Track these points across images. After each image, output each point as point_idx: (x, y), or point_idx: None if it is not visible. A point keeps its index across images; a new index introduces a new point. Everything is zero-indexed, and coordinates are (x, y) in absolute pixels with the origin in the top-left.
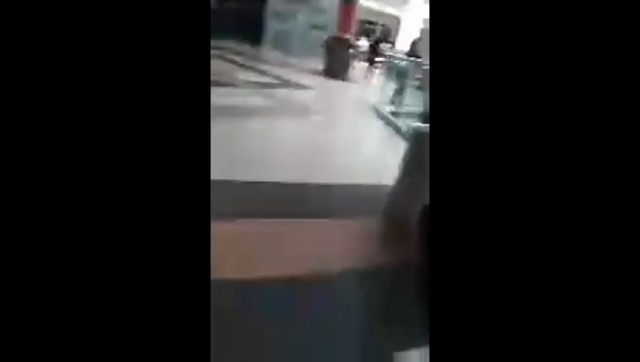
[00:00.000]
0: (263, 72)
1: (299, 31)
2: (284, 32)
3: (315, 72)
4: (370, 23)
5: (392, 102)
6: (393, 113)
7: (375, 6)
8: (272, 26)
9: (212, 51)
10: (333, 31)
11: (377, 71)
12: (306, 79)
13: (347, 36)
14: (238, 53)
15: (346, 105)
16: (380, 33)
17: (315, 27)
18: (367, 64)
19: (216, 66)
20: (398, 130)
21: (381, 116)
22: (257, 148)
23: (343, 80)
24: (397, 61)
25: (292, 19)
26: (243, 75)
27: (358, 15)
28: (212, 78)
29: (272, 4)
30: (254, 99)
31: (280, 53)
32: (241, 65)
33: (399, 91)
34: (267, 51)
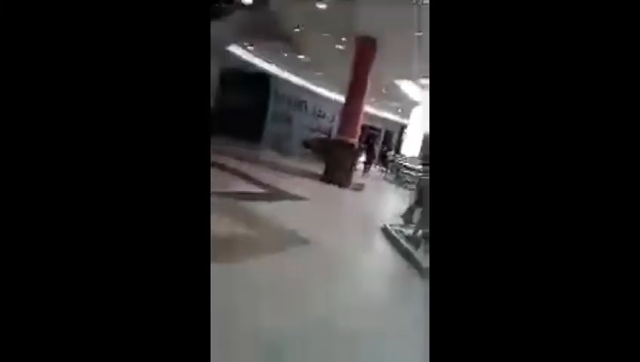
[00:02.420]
0: (257, 182)
1: (297, 133)
2: (282, 133)
3: (313, 176)
4: (372, 128)
5: (406, 221)
6: (407, 237)
7: (375, 111)
8: (270, 127)
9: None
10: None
11: (381, 175)
12: (302, 187)
13: (351, 141)
14: (234, 155)
15: (347, 225)
16: (382, 138)
17: (315, 130)
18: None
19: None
20: (416, 265)
21: (392, 240)
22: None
23: (343, 186)
24: (411, 172)
25: (290, 121)
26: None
27: (362, 119)
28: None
29: (272, 107)
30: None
31: (277, 154)
32: (234, 172)
33: (413, 208)
34: (264, 151)
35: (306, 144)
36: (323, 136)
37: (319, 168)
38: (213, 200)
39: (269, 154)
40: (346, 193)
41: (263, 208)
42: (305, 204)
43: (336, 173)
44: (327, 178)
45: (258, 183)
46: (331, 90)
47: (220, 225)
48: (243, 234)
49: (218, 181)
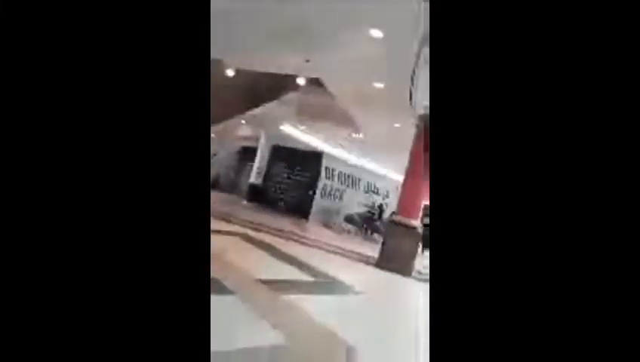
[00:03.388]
0: (307, 267)
1: (347, 209)
2: (332, 209)
3: (367, 260)
4: None
5: None
6: None
7: None
8: (319, 202)
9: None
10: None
11: None
12: (354, 273)
13: (413, 223)
14: (280, 231)
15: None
16: None
17: (367, 206)
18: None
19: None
20: None
21: None
22: None
23: (405, 275)
24: None
25: (341, 198)
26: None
27: (424, 198)
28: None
29: (322, 182)
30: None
31: (326, 230)
32: (282, 256)
33: None
34: (313, 226)
35: (349, 219)
36: (372, 212)
37: (368, 249)
38: (254, 287)
39: (317, 231)
40: (409, 284)
41: (310, 305)
42: (360, 300)
43: (395, 258)
44: (384, 263)
45: (304, 267)
46: (386, 166)
47: (257, 331)
48: (281, 348)
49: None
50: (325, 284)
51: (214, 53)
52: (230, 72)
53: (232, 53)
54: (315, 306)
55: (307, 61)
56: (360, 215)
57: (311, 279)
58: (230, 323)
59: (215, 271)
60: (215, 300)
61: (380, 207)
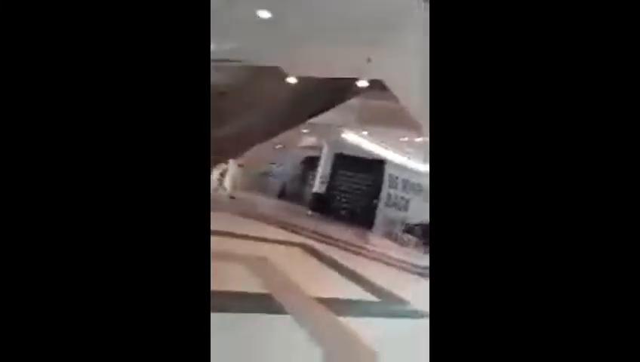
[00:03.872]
0: (370, 285)
1: (414, 219)
2: (397, 219)
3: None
4: None
5: None
6: None
7: None
8: (383, 211)
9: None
10: None
11: None
12: (417, 290)
13: None
14: (343, 243)
15: None
16: None
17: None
18: None
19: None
20: None
21: None
22: None
23: None
24: None
25: (406, 208)
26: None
27: None
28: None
29: (386, 190)
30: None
31: (390, 242)
32: (341, 269)
33: None
34: (376, 238)
35: (408, 229)
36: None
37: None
38: (311, 307)
39: (381, 243)
40: None
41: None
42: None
43: None
44: None
45: (367, 284)
46: None
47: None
48: None
49: (324, 280)
50: (389, 305)
51: (270, 60)
52: (292, 80)
53: (288, 58)
54: (376, 332)
55: (369, 60)
56: (420, 225)
57: (375, 299)
58: (283, 345)
59: (272, 286)
60: (267, 319)
61: None
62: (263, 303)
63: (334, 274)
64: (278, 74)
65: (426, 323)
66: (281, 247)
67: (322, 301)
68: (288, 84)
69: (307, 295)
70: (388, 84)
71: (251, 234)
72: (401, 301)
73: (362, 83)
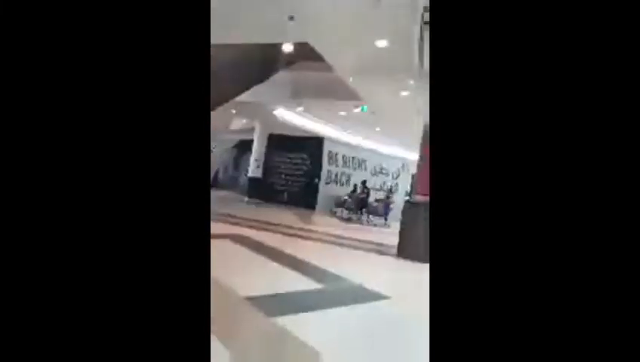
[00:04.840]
0: (313, 269)
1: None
2: (339, 195)
3: (382, 251)
4: None
5: None
6: None
7: None
8: (324, 189)
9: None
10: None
11: None
12: (374, 269)
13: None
14: (285, 227)
15: None
16: None
17: (377, 190)
18: None
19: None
20: None
21: None
22: None
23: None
24: None
25: (348, 182)
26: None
27: None
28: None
29: (326, 167)
30: None
31: (335, 220)
32: (280, 258)
33: None
34: (320, 218)
35: (339, 204)
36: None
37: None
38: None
39: (326, 221)
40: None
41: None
42: (389, 310)
43: (418, 245)
44: (405, 253)
45: (310, 269)
46: (394, 143)
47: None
48: None
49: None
50: (339, 292)
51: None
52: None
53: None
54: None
55: (291, 18)
56: (352, 196)
57: (318, 286)
58: None
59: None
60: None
61: (390, 189)
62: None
63: (272, 265)
64: None
65: (382, 305)
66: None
67: (252, 300)
68: None
69: (236, 296)
70: (317, 47)
71: None
72: (350, 283)
73: (287, 47)
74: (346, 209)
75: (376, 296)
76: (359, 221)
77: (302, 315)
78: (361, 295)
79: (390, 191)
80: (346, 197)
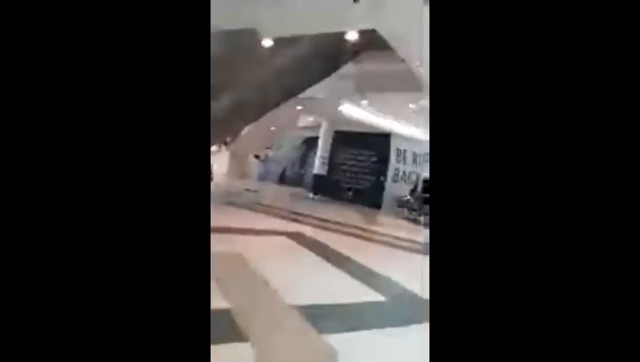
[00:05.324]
0: (373, 277)
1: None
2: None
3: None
4: None
5: None
6: None
7: None
8: (391, 188)
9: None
10: None
11: None
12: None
13: None
14: (348, 228)
15: None
16: None
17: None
18: None
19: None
20: None
21: None
22: None
23: None
24: None
25: (418, 180)
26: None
27: None
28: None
29: (393, 165)
30: None
31: (402, 221)
32: (339, 260)
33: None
34: (386, 218)
35: (402, 203)
36: None
37: None
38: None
39: (390, 221)
40: None
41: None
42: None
43: None
44: None
45: (370, 277)
46: None
47: None
48: None
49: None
50: (400, 306)
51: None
52: (267, 42)
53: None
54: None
55: (355, 1)
56: (413, 195)
57: (381, 299)
58: None
59: (234, 297)
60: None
61: None
62: (219, 324)
63: (330, 269)
64: (253, 37)
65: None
66: (266, 239)
67: (303, 309)
68: (264, 47)
69: (282, 303)
70: (383, 32)
71: (235, 225)
72: (412, 295)
73: (352, 35)
74: (409, 209)
75: None
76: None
77: (357, 334)
78: (423, 310)
79: None
80: (408, 196)
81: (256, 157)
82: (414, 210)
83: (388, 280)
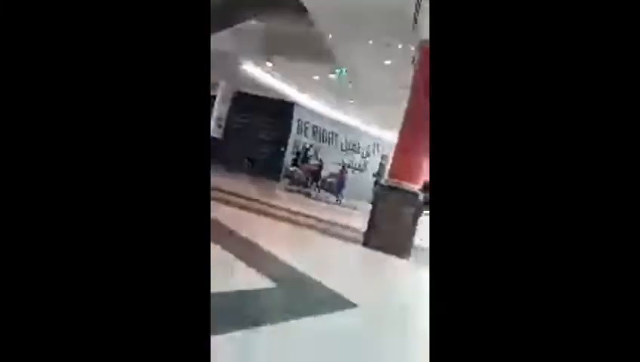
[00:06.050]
0: (267, 260)
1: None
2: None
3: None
4: None
5: None
6: None
7: None
8: (290, 161)
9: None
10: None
11: None
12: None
13: (412, 186)
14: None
15: None
16: None
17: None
18: None
19: None
20: None
21: None
22: None
23: (402, 257)
24: None
25: (316, 156)
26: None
27: (424, 159)
28: None
29: (294, 138)
30: None
31: (300, 195)
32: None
33: None
34: (283, 191)
35: (289, 175)
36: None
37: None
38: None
39: (289, 196)
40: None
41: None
42: (355, 321)
43: (388, 235)
44: (373, 242)
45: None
46: (370, 119)
47: None
48: None
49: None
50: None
51: None
52: None
53: None
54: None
55: None
56: (301, 167)
57: (271, 285)
58: None
59: None
60: None
61: (345, 166)
62: None
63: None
64: None
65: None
66: None
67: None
68: None
69: None
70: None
71: None
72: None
73: None
74: (293, 183)
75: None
76: (308, 195)
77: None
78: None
79: (344, 167)
80: (293, 168)
81: None
82: (301, 183)
83: (277, 261)
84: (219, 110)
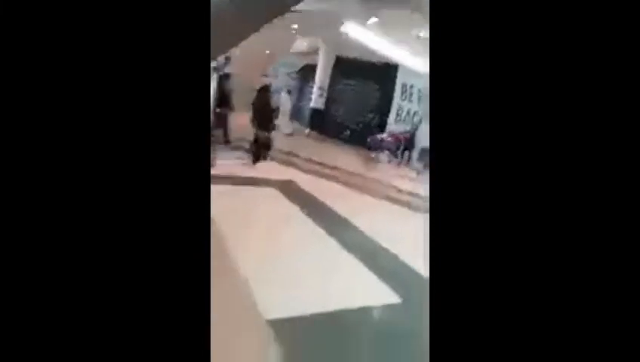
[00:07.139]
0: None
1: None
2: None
3: None
4: None
5: None
6: None
7: None
8: (394, 129)
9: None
10: None
11: None
12: None
13: None
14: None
15: None
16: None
17: None
18: None
19: None
20: None
21: None
22: None
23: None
24: None
25: (420, 123)
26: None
27: None
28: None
29: (397, 104)
30: None
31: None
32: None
33: None
34: (384, 164)
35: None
36: None
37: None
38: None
39: (390, 170)
40: None
41: None
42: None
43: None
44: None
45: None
46: None
47: None
48: None
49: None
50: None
51: None
52: None
53: None
54: None
55: None
56: (393, 137)
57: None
58: None
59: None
60: None
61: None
62: None
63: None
64: None
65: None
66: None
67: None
68: None
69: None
70: None
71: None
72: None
73: None
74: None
75: None
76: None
77: None
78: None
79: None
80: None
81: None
82: (392, 152)
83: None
84: (320, 79)
